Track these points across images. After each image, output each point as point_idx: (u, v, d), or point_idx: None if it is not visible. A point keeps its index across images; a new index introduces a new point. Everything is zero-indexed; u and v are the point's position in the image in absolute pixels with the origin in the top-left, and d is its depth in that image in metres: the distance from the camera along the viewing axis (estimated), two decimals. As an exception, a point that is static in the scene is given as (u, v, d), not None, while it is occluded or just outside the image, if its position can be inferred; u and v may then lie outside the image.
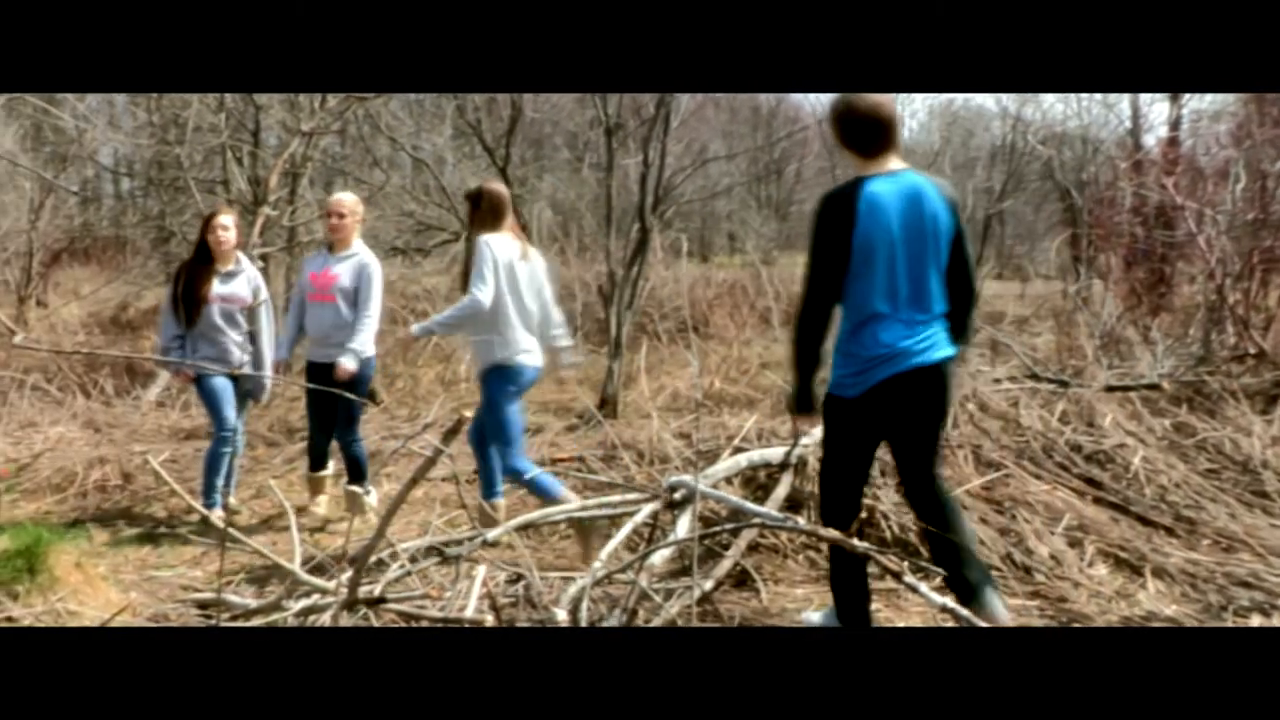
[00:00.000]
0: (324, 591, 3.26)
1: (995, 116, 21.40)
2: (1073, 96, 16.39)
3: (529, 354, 4.77)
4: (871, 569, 3.52)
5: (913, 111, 50.12)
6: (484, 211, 4.87)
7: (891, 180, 3.23)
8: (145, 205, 11.92)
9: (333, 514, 5.57)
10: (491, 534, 3.88)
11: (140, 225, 15.21)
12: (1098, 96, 15.09)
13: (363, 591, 2.97)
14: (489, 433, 4.84)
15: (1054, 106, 17.41)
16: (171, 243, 11.59)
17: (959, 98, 25.28)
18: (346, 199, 5.38)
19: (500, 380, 4.71)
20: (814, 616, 3.84)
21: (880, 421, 3.43)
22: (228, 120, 9.22)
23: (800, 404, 3.51)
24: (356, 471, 5.44)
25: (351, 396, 4.79)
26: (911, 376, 3.27)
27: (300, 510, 5.61)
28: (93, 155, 11.96)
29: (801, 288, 3.39)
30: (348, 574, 2.96)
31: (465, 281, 4.79)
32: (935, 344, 3.32)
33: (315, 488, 5.67)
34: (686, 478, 4.48)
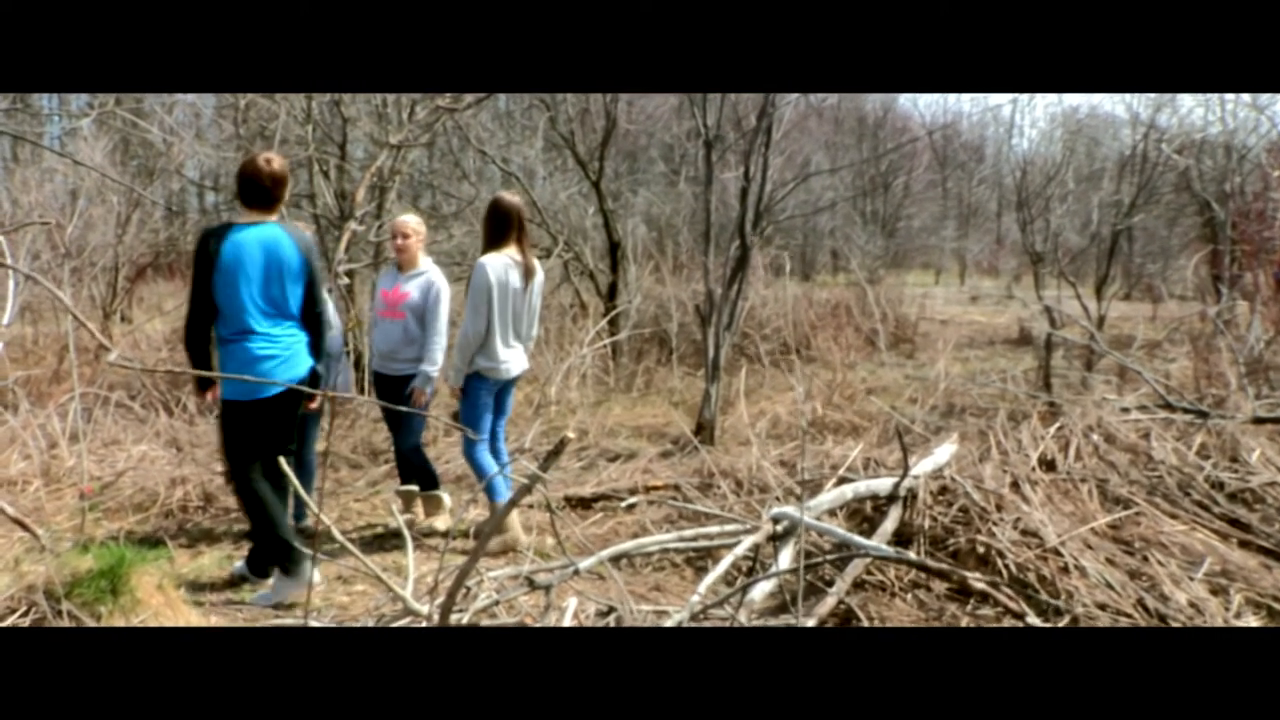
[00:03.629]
0: (416, 615, 3.33)
1: (1124, 124, 20.87)
2: (1215, 100, 15.87)
3: (507, 364, 5.32)
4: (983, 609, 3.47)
5: (1033, 121, 49.26)
6: (492, 224, 5.29)
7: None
8: (230, 220, 12.33)
9: (428, 526, 5.80)
10: (583, 564, 3.92)
11: (225, 240, 15.68)
12: (1245, 98, 14.58)
13: (454, 619, 3.03)
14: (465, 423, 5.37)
15: (1192, 111, 16.89)
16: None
17: (1084, 106, 24.79)
18: (410, 220, 5.83)
19: (480, 383, 5.29)
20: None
21: None
22: (314, 132, 9.48)
23: None
24: (426, 480, 5.84)
25: (415, 411, 5.19)
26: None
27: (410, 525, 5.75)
28: (179, 168, 12.45)
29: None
30: (439, 600, 3.02)
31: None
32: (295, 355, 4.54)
33: (406, 501, 5.97)
34: (790, 509, 4.47)
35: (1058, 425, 6.22)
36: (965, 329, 16.75)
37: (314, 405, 4.95)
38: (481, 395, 5.28)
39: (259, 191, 4.46)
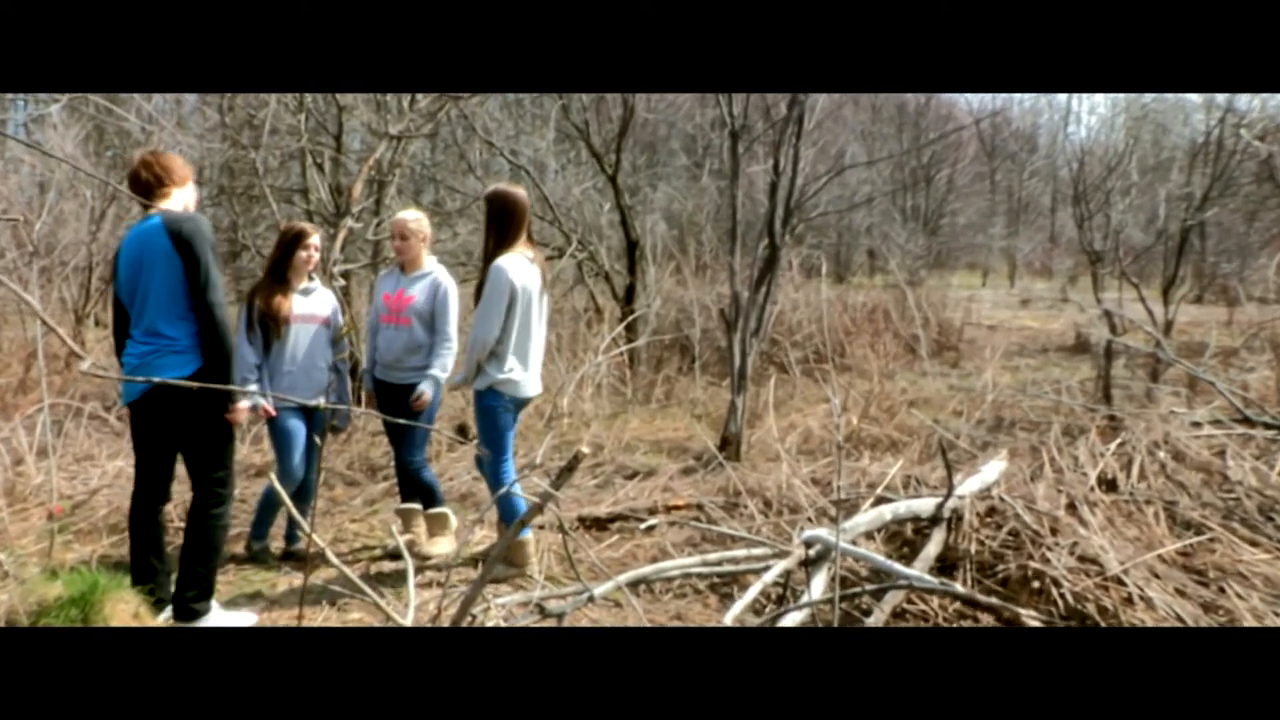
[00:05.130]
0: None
1: (1196, 108, 20.69)
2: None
3: (523, 381, 5.26)
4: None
5: (1092, 106, 49.16)
6: (500, 221, 5.20)
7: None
8: (215, 215, 12.37)
9: (432, 550, 5.78)
10: (598, 590, 3.93)
11: (209, 238, 15.79)
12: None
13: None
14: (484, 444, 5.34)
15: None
16: (243, 257, 12.00)
17: (1149, 89, 24.68)
18: (409, 217, 5.82)
19: (497, 400, 5.21)
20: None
21: None
22: (308, 122, 9.52)
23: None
24: (429, 498, 5.83)
25: (419, 425, 5.47)
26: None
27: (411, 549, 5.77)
28: (159, 160, 12.49)
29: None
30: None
31: (476, 303, 5.18)
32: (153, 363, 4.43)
33: (407, 521, 5.97)
34: (823, 531, 4.47)
35: (1119, 441, 6.19)
36: (1015, 335, 16.71)
37: (236, 418, 4.62)
38: (500, 414, 5.22)
39: (135, 186, 4.59)
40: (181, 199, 4.62)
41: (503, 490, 4.83)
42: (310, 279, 5.67)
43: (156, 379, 2.72)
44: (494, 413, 5.20)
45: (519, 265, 5.11)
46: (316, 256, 5.65)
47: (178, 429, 4.56)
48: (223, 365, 4.39)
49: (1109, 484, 5.70)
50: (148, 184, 4.55)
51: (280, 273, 5.57)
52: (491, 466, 5.27)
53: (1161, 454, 5.98)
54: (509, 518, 5.35)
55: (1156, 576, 4.55)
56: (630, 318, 11.42)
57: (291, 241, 5.56)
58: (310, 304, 5.60)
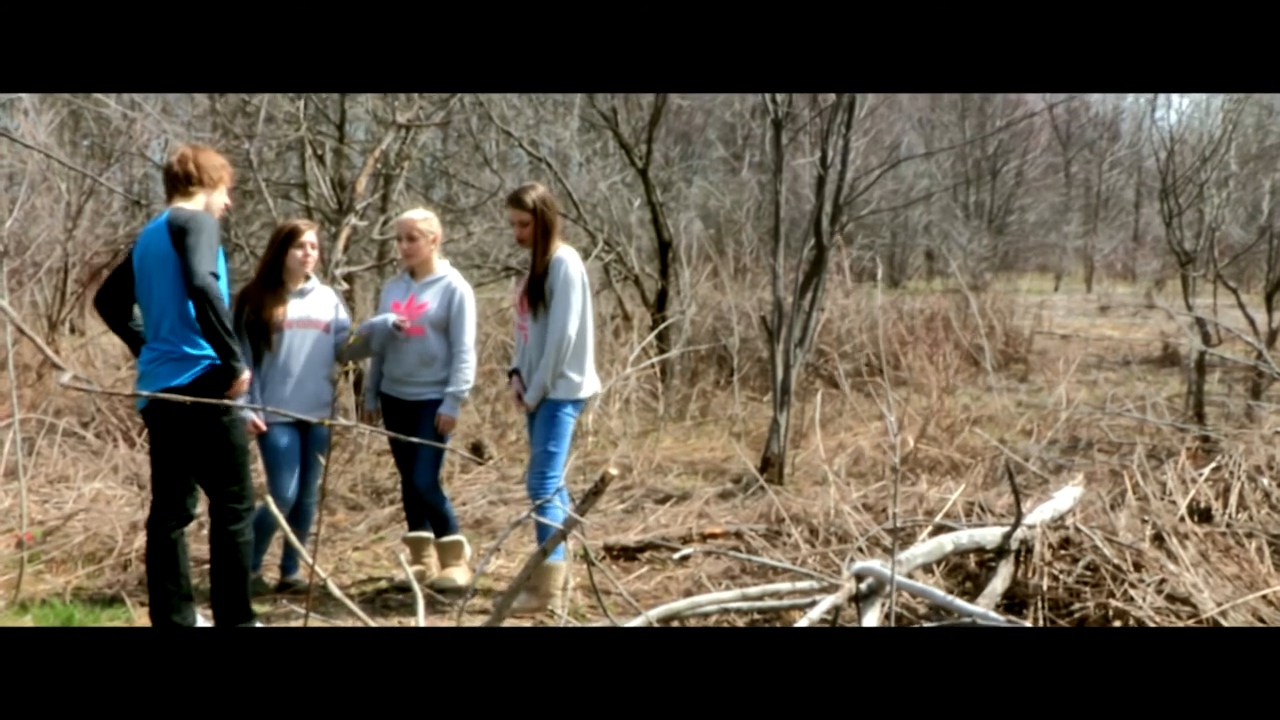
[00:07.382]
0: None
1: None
2: None
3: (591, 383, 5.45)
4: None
5: (1178, 90, 48.84)
6: (547, 219, 5.31)
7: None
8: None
9: (445, 582, 5.80)
10: (628, 626, 3.95)
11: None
12: None
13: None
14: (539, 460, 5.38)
15: None
16: (236, 258, 12.07)
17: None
18: (418, 216, 5.84)
19: (571, 408, 5.34)
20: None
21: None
22: (307, 108, 9.56)
23: None
24: (442, 524, 5.85)
25: (431, 443, 5.48)
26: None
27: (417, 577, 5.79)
28: (143, 150, 12.51)
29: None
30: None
31: (534, 304, 5.26)
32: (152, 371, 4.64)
33: (417, 551, 5.99)
34: (876, 563, 4.47)
35: (1214, 465, 6.12)
36: (1093, 346, 16.58)
37: (236, 389, 4.67)
38: (569, 424, 5.31)
39: (165, 178, 4.80)
40: (205, 200, 4.74)
41: (540, 501, 4.83)
42: (307, 278, 5.70)
43: (145, 393, 2.77)
44: (566, 421, 5.31)
45: (576, 257, 5.27)
46: (313, 255, 5.67)
47: (180, 441, 4.66)
48: (225, 354, 4.53)
49: (1202, 514, 5.64)
50: (174, 179, 4.70)
51: (273, 276, 5.60)
52: (539, 478, 5.28)
53: (1265, 480, 5.90)
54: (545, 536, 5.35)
55: (1260, 620, 4.50)
56: (662, 326, 11.43)
57: (284, 241, 5.59)
58: (308, 306, 5.63)
